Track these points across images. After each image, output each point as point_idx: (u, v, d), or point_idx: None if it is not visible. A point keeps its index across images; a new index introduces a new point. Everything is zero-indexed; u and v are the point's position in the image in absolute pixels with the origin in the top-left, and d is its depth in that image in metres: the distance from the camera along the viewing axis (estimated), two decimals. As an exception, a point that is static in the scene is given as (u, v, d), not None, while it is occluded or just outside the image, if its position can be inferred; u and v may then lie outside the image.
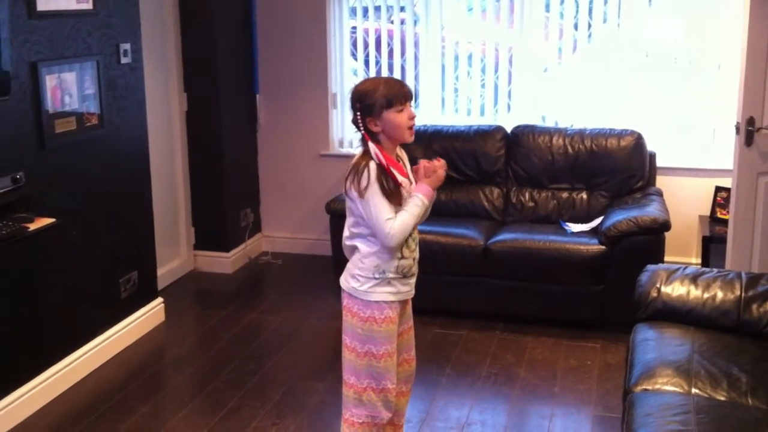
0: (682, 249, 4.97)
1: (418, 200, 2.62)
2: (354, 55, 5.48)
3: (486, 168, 4.92)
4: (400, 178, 2.60)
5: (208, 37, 5.06)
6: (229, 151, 5.27)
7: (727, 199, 4.60)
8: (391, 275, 2.65)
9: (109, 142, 4.01)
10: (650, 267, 3.29)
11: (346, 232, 2.72)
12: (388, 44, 5.39)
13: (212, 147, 5.21)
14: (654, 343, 2.92)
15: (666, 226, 4.17)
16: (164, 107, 4.97)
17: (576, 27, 5.07)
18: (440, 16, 5.24)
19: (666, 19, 4.91)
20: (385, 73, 5.35)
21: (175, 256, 5.19)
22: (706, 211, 4.91)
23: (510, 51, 5.21)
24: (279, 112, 5.56)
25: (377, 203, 2.55)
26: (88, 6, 3.80)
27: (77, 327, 3.89)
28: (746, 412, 2.52)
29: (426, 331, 4.26)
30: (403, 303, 2.75)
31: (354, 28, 5.43)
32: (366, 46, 5.43)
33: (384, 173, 2.57)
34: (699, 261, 4.78)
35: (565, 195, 4.81)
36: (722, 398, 2.59)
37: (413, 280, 2.74)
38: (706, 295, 3.07)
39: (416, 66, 5.36)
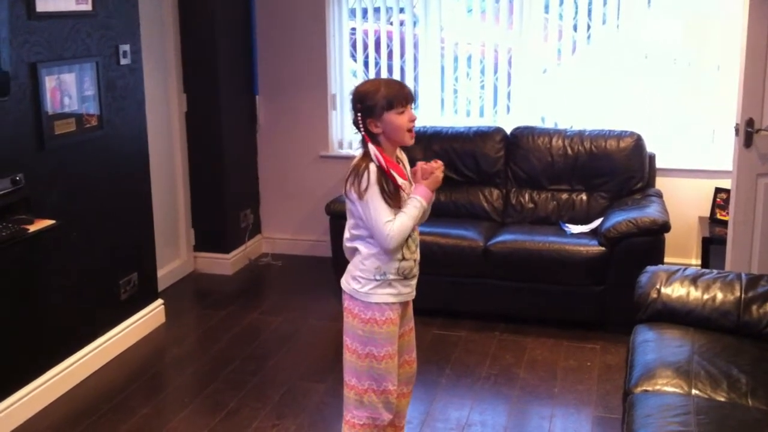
0: (682, 250, 4.97)
1: (416, 202, 2.62)
2: (353, 57, 5.48)
3: (485, 169, 4.93)
4: (399, 180, 2.61)
5: (207, 37, 5.06)
6: (228, 152, 5.27)
7: (726, 201, 4.60)
8: (391, 277, 2.65)
9: (108, 143, 4.02)
10: (650, 268, 3.29)
11: (346, 234, 2.72)
12: (388, 45, 5.39)
13: (212, 148, 5.21)
14: (654, 344, 2.92)
15: (666, 227, 4.17)
16: (164, 108, 4.97)
17: (575, 28, 5.08)
18: (439, 17, 5.25)
19: (665, 21, 4.92)
20: (384, 75, 5.35)
21: (175, 257, 5.19)
22: (706, 213, 4.92)
23: (509, 52, 5.21)
24: (279, 113, 5.57)
25: (376, 205, 2.55)
26: (88, 7, 3.80)
27: (77, 328, 3.89)
28: (746, 413, 2.52)
29: (426, 332, 4.26)
30: (404, 304, 2.75)
31: (353, 29, 5.43)
32: (365, 47, 5.43)
33: (384, 175, 2.57)
34: (699, 262, 4.78)
35: (564, 196, 4.82)
36: (722, 399, 2.59)
37: (414, 282, 2.75)
38: (705, 297, 3.07)
39: (416, 67, 5.36)
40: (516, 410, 3.57)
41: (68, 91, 3.70)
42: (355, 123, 2.61)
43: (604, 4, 4.98)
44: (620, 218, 4.23)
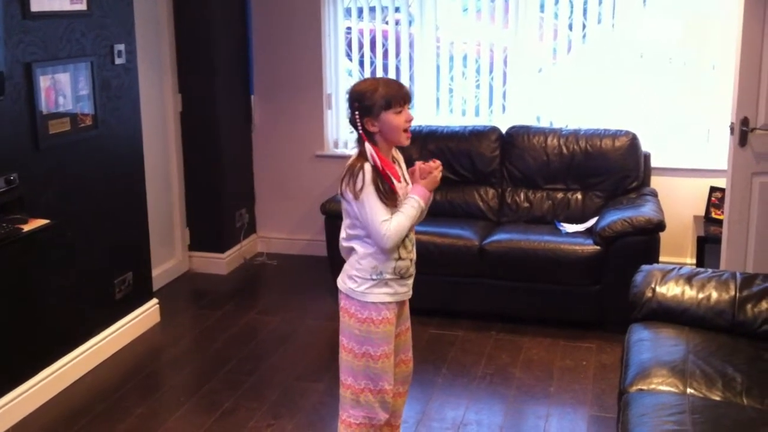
0: (677, 249, 4.98)
1: (414, 202, 2.62)
2: (349, 56, 5.48)
3: (481, 168, 4.93)
4: (394, 180, 2.60)
5: (202, 37, 5.06)
6: (224, 152, 5.27)
7: (721, 200, 4.61)
8: (388, 276, 2.65)
9: (103, 143, 4.01)
10: (645, 267, 3.29)
11: (343, 234, 2.72)
12: (383, 45, 5.39)
13: (207, 147, 5.20)
14: (649, 343, 2.93)
15: (661, 226, 4.18)
16: (159, 108, 4.96)
17: (570, 27, 5.08)
18: (435, 16, 5.25)
19: (661, 20, 4.92)
20: (380, 74, 5.35)
21: (170, 256, 5.19)
22: (701, 212, 4.93)
23: (505, 51, 5.21)
24: (274, 113, 5.56)
25: (372, 205, 2.55)
26: (82, 7, 3.79)
27: (72, 328, 3.88)
28: (741, 411, 2.53)
29: (422, 332, 4.26)
30: (400, 304, 2.75)
31: (349, 28, 5.43)
32: (361, 46, 5.43)
33: (379, 175, 2.57)
34: (694, 261, 4.79)
35: (560, 195, 4.82)
36: (717, 398, 2.60)
37: (411, 281, 2.75)
38: (700, 296, 3.08)
39: (411, 66, 5.36)
40: (512, 409, 3.57)
41: (63, 90, 3.69)
42: (352, 122, 2.61)
43: (600, 3, 4.98)
44: (615, 217, 4.24)
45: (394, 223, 2.57)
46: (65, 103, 3.71)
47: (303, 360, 4.09)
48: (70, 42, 3.72)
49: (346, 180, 2.58)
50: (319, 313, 4.64)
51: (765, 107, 3.81)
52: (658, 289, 3.13)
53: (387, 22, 5.39)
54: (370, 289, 2.65)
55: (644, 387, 2.67)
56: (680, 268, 3.25)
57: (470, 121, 5.31)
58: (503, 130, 4.98)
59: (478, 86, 5.33)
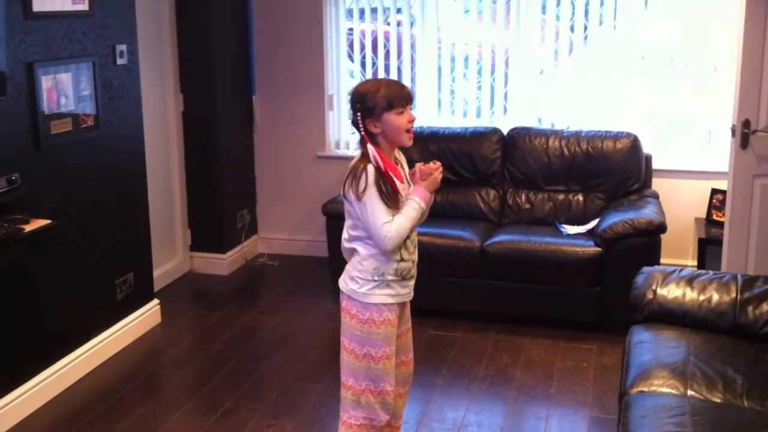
0: (678, 251, 4.98)
1: (415, 203, 2.62)
2: (351, 57, 5.48)
3: (482, 169, 4.93)
4: (397, 181, 2.60)
5: (204, 37, 5.06)
6: (225, 152, 5.27)
7: (723, 202, 4.61)
8: (390, 278, 2.65)
9: (105, 143, 4.01)
10: (646, 269, 3.29)
11: (345, 235, 2.72)
12: (385, 46, 5.39)
13: (208, 148, 5.21)
14: (650, 344, 2.93)
15: (662, 228, 4.18)
16: (160, 108, 4.97)
17: (572, 29, 5.08)
18: (437, 17, 5.25)
19: (662, 21, 4.92)
20: (381, 75, 5.35)
21: (171, 257, 5.19)
22: (702, 214, 4.92)
23: (506, 53, 5.21)
24: (276, 114, 5.56)
25: (374, 206, 2.55)
26: (84, 7, 3.79)
27: (73, 328, 3.88)
28: (742, 413, 2.53)
29: (422, 333, 4.26)
30: (401, 305, 2.75)
31: (351, 29, 5.43)
32: (363, 47, 5.43)
33: (382, 176, 2.57)
34: (695, 263, 4.79)
35: (561, 197, 4.82)
36: (718, 400, 2.60)
37: (412, 283, 2.75)
38: (701, 297, 3.08)
39: (413, 68, 5.36)
40: (512, 411, 3.57)
41: (65, 90, 3.69)
42: (354, 123, 2.61)
43: (601, 4, 4.98)
44: (616, 219, 4.24)
45: (395, 225, 2.57)
46: (67, 103, 3.71)
47: (303, 360, 4.09)
48: (71, 42, 3.72)
49: (349, 181, 2.58)
50: (320, 313, 4.64)
51: (766, 109, 3.81)
52: (659, 290, 3.13)
53: (389, 23, 5.39)
54: (372, 290, 2.65)
55: (645, 389, 2.67)
56: (681, 270, 3.25)
57: (471, 122, 5.31)
58: (504, 132, 4.98)
59: (479, 87, 5.32)
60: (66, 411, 3.60)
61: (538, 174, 4.85)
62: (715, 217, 4.81)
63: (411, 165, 2.78)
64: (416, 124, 2.76)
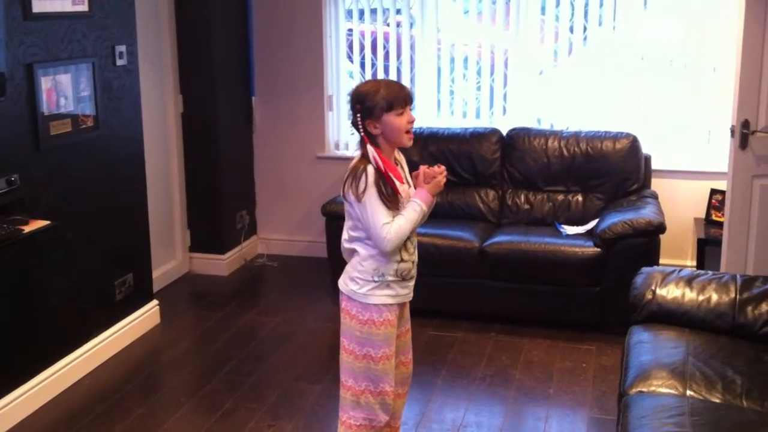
0: (678, 251, 4.98)
1: (416, 206, 2.62)
2: (350, 58, 5.49)
3: (481, 170, 4.93)
4: (397, 182, 2.61)
5: (204, 38, 5.06)
6: (224, 153, 5.27)
7: (722, 202, 4.61)
8: (390, 278, 2.65)
9: (104, 144, 4.01)
10: (645, 269, 3.29)
11: (345, 235, 2.72)
12: (384, 46, 5.40)
13: (208, 149, 5.21)
14: (649, 345, 2.93)
15: (661, 228, 4.18)
16: (160, 109, 4.97)
17: (571, 30, 5.08)
18: (436, 18, 5.25)
19: (661, 22, 4.93)
20: (381, 76, 5.36)
21: (170, 258, 5.19)
22: (701, 214, 4.93)
23: (506, 53, 5.22)
24: (275, 114, 5.57)
25: (374, 207, 2.55)
26: (84, 8, 3.79)
27: (73, 329, 3.88)
28: (741, 414, 2.53)
29: (422, 333, 4.26)
30: (401, 305, 2.75)
31: (350, 30, 5.43)
32: (362, 48, 5.43)
33: (382, 177, 2.57)
34: (694, 263, 4.79)
35: (560, 197, 4.82)
36: (717, 400, 2.60)
37: (412, 283, 2.75)
38: (701, 298, 3.08)
39: (412, 68, 5.36)
40: (512, 411, 3.57)
41: (64, 91, 3.69)
42: (354, 124, 2.61)
43: (601, 5, 4.98)
44: (616, 219, 4.24)
45: (395, 226, 2.57)
46: (66, 104, 3.71)
47: (303, 361, 4.09)
48: (71, 43, 3.72)
49: (349, 182, 2.59)
50: (319, 314, 4.64)
51: (766, 110, 3.81)
52: (658, 291, 3.13)
53: (388, 24, 5.39)
54: (372, 290, 2.65)
55: (644, 389, 2.67)
56: (680, 270, 3.25)
57: (471, 123, 5.32)
58: (504, 132, 4.98)
59: (478, 88, 5.33)
60: (65, 411, 3.60)
61: (537, 174, 4.85)
62: (714, 218, 4.81)
63: (411, 166, 2.78)
64: (416, 125, 2.76)
